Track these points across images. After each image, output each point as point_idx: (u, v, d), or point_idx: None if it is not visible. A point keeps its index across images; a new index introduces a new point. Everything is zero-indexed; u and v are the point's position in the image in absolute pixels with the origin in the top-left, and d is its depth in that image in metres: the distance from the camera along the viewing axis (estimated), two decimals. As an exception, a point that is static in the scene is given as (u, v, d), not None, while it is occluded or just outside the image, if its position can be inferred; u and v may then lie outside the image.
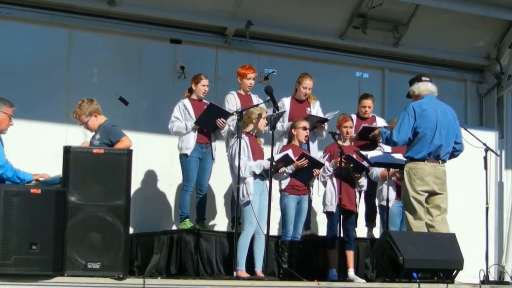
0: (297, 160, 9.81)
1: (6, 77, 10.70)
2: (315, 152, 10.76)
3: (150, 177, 11.58)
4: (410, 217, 9.15)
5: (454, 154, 9.43)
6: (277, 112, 9.70)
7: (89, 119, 9.01)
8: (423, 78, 9.46)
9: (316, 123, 10.71)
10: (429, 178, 9.09)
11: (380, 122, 11.34)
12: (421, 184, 9.09)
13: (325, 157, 10.37)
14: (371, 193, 10.95)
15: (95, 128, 9.04)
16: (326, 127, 10.80)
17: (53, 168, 8.60)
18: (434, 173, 9.12)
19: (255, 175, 9.56)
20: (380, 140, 10.05)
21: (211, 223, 11.50)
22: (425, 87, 9.36)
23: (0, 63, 10.83)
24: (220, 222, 11.75)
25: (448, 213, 9.35)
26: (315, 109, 10.89)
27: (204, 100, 10.58)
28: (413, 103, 9.29)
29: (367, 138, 10.77)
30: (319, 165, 10.16)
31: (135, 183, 10.88)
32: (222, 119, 10.28)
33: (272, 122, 9.37)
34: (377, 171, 10.52)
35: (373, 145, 10.72)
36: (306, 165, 9.88)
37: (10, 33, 10.99)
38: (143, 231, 10.90)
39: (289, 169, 9.88)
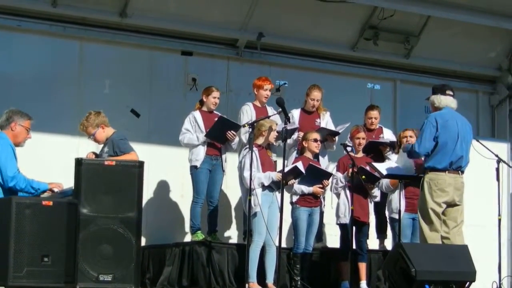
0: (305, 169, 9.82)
1: (18, 88, 10.75)
2: (325, 165, 10.73)
3: (162, 189, 11.57)
4: (426, 228, 9.07)
5: None
6: (288, 123, 9.67)
7: (96, 131, 9.00)
8: (448, 92, 9.38)
9: (327, 136, 10.69)
10: (449, 189, 9.03)
11: (387, 133, 11.34)
12: (442, 195, 9.03)
13: (336, 169, 10.36)
14: (381, 205, 10.91)
15: (103, 140, 9.04)
16: (336, 140, 10.78)
17: (65, 180, 8.61)
18: (454, 184, 9.07)
19: (263, 187, 9.56)
20: (389, 153, 10.01)
21: (223, 235, 11.48)
22: (446, 102, 9.31)
23: (12, 75, 10.88)
24: (232, 234, 11.74)
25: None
26: (325, 121, 10.87)
27: (215, 112, 10.59)
28: (434, 113, 9.25)
29: (373, 152, 10.77)
30: (327, 175, 10.16)
31: (147, 195, 10.89)
32: (232, 131, 10.28)
33: (284, 134, 9.34)
34: (386, 181, 10.48)
35: (380, 158, 10.72)
36: (321, 187, 9.96)
37: (22, 45, 11.03)
38: (155, 243, 10.91)
39: (306, 190, 9.90)
